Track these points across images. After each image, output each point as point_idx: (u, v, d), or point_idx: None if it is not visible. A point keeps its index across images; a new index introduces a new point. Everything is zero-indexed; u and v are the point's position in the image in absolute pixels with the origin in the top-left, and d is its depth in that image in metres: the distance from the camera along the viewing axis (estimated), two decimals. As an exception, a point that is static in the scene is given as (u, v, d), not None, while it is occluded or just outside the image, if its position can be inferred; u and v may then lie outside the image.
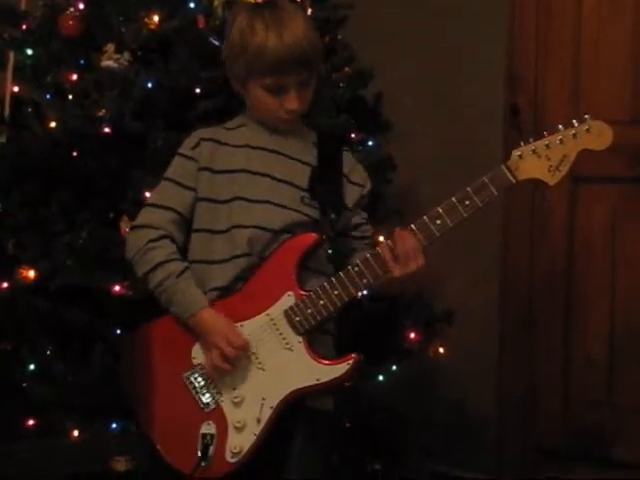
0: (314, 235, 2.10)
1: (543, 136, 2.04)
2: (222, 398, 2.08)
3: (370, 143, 2.96)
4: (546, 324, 3.42)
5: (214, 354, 2.07)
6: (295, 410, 2.07)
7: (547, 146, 2.02)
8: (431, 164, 3.43)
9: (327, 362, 2.06)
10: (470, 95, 3.44)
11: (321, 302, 2.06)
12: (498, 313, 3.46)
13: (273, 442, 2.06)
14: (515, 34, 3.47)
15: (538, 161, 2.03)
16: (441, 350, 2.97)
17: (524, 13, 3.46)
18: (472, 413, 3.36)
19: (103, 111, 2.59)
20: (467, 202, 2.03)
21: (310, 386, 2.04)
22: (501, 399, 3.44)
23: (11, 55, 2.86)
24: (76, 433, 2.55)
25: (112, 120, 2.59)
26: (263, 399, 2.05)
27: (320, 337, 2.12)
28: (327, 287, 2.06)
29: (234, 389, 2.07)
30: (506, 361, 3.45)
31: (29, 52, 2.83)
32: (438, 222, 2.04)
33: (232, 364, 2.06)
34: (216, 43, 2.58)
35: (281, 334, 2.07)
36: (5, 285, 2.60)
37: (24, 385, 2.56)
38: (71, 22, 2.76)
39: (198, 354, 2.11)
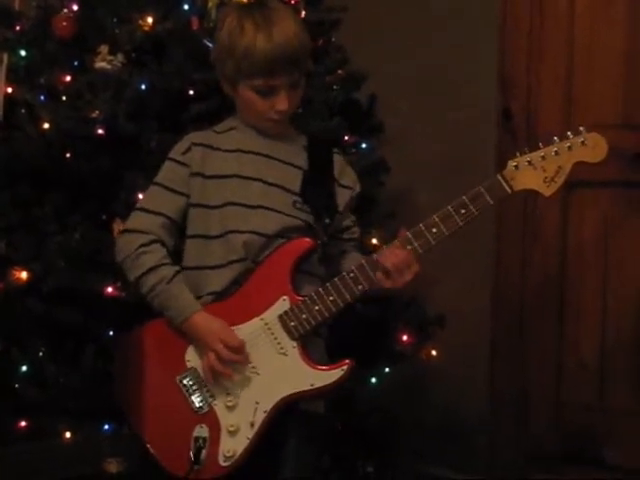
0: (309, 240, 2.10)
1: (538, 147, 2.06)
2: (215, 402, 2.08)
3: (363, 146, 2.95)
4: (538, 328, 3.43)
5: (210, 357, 2.07)
6: (288, 413, 2.07)
7: (543, 157, 2.04)
8: (424, 167, 3.44)
9: (321, 367, 2.06)
10: (463, 98, 3.45)
11: (316, 307, 2.06)
12: (491, 317, 3.47)
13: (266, 445, 2.06)
14: (508, 37, 3.47)
15: (534, 172, 2.05)
16: (434, 353, 2.97)
17: (517, 15, 3.46)
18: (464, 416, 3.36)
19: (96, 112, 2.58)
20: (463, 211, 2.04)
21: (304, 391, 2.05)
22: (493, 402, 3.45)
23: (4, 56, 2.85)
24: (68, 435, 2.54)
25: (105, 121, 2.58)
26: (257, 403, 2.05)
27: (312, 340, 2.12)
28: (322, 292, 2.06)
29: (228, 393, 2.07)
30: (498, 364, 3.46)
31: (22, 53, 2.81)
32: (434, 230, 2.05)
33: (229, 366, 2.06)
34: (210, 45, 2.56)
35: (275, 339, 2.07)
36: (-3, 286, 2.59)
37: (16, 386, 2.55)
38: (65, 23, 2.75)
39: (192, 357, 2.11)
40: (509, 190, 2.05)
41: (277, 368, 2.06)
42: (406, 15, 3.55)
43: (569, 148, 2.03)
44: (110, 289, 2.51)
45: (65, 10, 2.78)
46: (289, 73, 2.10)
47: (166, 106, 2.64)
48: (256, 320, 2.08)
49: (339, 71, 2.95)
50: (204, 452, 2.05)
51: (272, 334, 2.07)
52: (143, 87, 2.61)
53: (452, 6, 3.48)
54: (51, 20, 2.77)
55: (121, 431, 2.50)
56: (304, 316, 2.06)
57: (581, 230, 3.38)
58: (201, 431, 2.07)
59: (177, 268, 2.14)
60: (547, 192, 2.06)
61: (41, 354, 2.56)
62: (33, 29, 2.85)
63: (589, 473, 3.26)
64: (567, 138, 2.04)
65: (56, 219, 2.63)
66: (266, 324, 2.08)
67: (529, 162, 2.04)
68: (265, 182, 2.16)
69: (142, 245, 2.13)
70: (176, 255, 2.19)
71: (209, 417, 2.07)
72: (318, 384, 2.04)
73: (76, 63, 2.75)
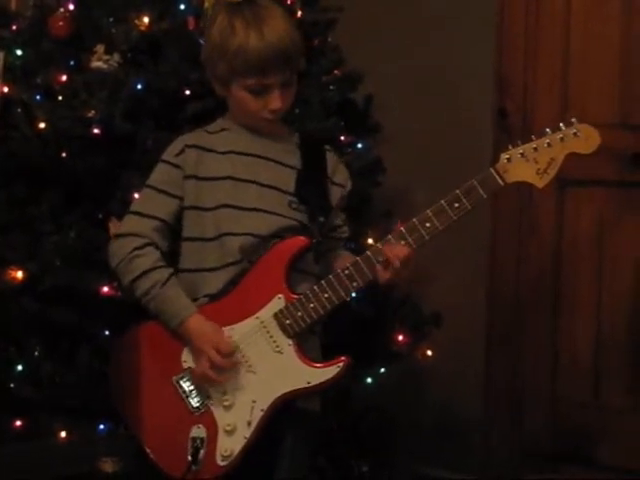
0: (304, 239, 2.10)
1: (531, 139, 2.05)
2: (212, 402, 2.08)
3: (360, 146, 2.95)
4: (533, 326, 3.43)
5: (203, 364, 2.06)
6: (285, 411, 2.07)
7: (535, 149, 2.04)
8: (421, 167, 3.44)
9: (317, 365, 2.06)
10: (460, 98, 3.45)
11: (311, 305, 2.06)
12: (485, 315, 3.47)
13: (263, 444, 2.06)
14: (504, 36, 3.47)
15: (526, 164, 2.04)
16: (429, 352, 2.97)
17: (513, 15, 3.47)
18: (459, 415, 3.37)
19: (93, 112, 2.58)
20: (456, 205, 2.04)
21: (300, 389, 2.05)
22: (488, 401, 3.45)
23: (1, 55, 2.85)
24: (63, 434, 2.53)
25: (102, 121, 2.57)
26: (253, 402, 2.05)
27: (308, 337, 2.12)
28: (317, 290, 2.06)
29: (224, 393, 2.07)
30: (493, 363, 3.46)
31: (19, 53, 2.80)
32: (428, 225, 2.04)
33: (221, 372, 2.06)
34: (206, 45, 2.58)
35: (271, 337, 2.07)
36: (-7, 285, 2.59)
37: (11, 386, 2.55)
38: (61, 23, 2.74)
39: (188, 358, 2.11)
40: (502, 183, 2.04)
41: (273, 366, 2.06)
42: (402, 15, 3.55)
43: (561, 139, 2.03)
44: (106, 288, 2.50)
45: (61, 10, 2.77)
46: (282, 71, 2.09)
47: (162, 106, 2.64)
48: (252, 319, 2.08)
49: (335, 71, 2.95)
50: (202, 452, 2.05)
51: (268, 332, 2.07)
52: (139, 87, 2.61)
53: (448, 6, 3.48)
54: (47, 19, 2.77)
55: (117, 430, 2.50)
56: (299, 314, 2.06)
57: (576, 228, 3.38)
58: (198, 431, 2.06)
59: (171, 270, 2.13)
60: (540, 184, 2.05)
61: (37, 353, 2.56)
62: (29, 28, 2.84)
63: (583, 471, 3.26)
64: (559, 130, 2.03)
65: (52, 218, 2.62)
66: (262, 322, 2.08)
67: (522, 154, 2.03)
68: (260, 184, 2.14)
69: (136, 248, 2.11)
70: (171, 257, 2.18)
71: (206, 417, 2.07)
72: (314, 381, 2.04)
73: (72, 63, 2.75)
